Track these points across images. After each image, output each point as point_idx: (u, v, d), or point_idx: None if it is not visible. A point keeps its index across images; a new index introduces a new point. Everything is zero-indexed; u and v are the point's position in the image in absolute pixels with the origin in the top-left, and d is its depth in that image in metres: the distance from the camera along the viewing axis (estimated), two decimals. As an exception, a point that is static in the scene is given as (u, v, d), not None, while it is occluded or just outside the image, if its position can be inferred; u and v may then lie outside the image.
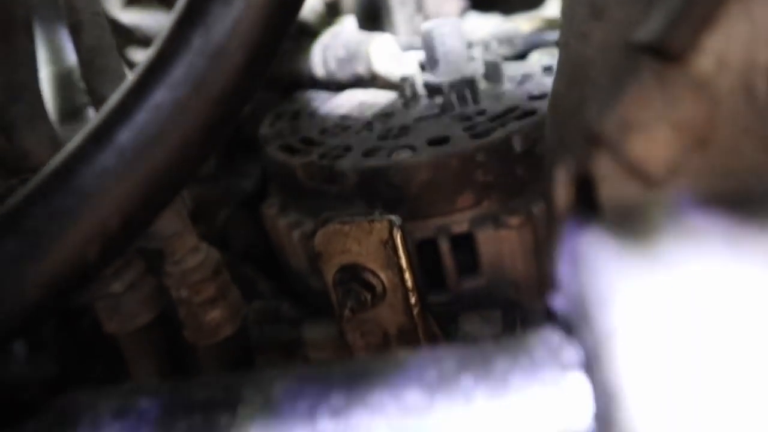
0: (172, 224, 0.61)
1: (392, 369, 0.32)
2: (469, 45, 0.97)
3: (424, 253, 0.78)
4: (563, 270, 0.30)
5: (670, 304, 0.25)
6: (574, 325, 0.29)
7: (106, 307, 0.69)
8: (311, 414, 0.32)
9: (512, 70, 0.91)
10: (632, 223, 0.29)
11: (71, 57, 0.86)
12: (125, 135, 0.34)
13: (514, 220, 0.75)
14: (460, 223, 0.77)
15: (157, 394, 0.37)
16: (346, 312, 0.64)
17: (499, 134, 0.75)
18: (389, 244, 0.60)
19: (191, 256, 0.63)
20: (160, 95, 0.34)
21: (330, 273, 0.65)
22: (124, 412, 0.36)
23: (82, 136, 0.35)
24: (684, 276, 0.26)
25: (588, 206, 0.31)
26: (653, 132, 0.30)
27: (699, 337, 0.24)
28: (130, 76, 0.36)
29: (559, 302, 0.30)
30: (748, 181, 0.31)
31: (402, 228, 0.60)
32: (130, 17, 0.89)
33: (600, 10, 0.41)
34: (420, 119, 0.85)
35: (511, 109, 0.80)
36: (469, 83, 0.86)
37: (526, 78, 0.88)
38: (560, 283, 0.30)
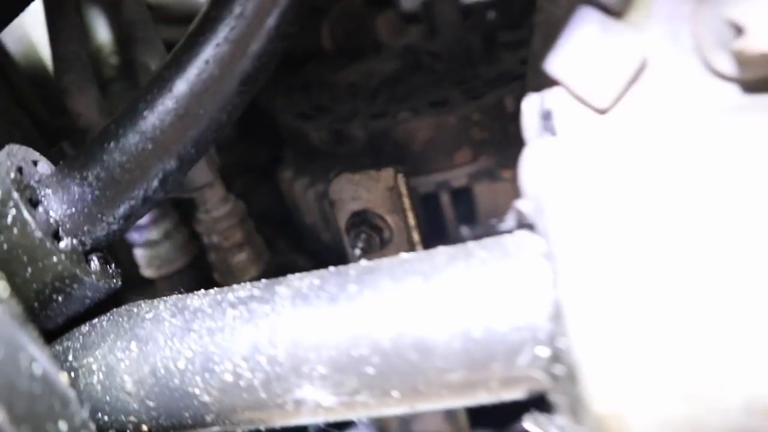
0: (204, 176, 0.69)
1: (396, 265, 0.41)
2: (467, 15, 1.04)
3: (427, 207, 0.87)
4: (528, 181, 0.38)
5: (601, 193, 0.33)
6: (535, 222, 0.37)
7: (144, 254, 0.78)
8: (332, 300, 0.40)
9: (507, 37, 0.99)
10: (581, 141, 0.38)
11: (99, 36, 0.94)
12: (180, 85, 0.42)
13: (508, 174, 0.83)
14: (459, 178, 0.85)
15: (205, 296, 0.46)
16: (358, 253, 0.72)
17: (492, 96, 0.83)
18: (395, 190, 0.68)
19: (221, 205, 0.72)
20: (208, 52, 0.42)
21: (343, 219, 0.73)
22: (179, 309, 0.45)
23: (144, 86, 0.43)
24: (612, 177, 0.34)
25: (548, 131, 0.40)
26: (598, 69, 0.38)
27: (618, 215, 0.32)
28: (182, 37, 0.44)
29: (524, 205, 0.38)
30: (679, 107, 0.39)
31: (405, 175, 0.68)
32: (155, -3, 0.97)
33: (567, -24, 0.49)
34: (421, 85, 0.92)
35: (504, 73, 0.88)
36: (467, 51, 0.93)
37: (518, 44, 0.96)
38: (525, 191, 0.38)
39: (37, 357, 0.30)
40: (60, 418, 0.31)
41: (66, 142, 0.73)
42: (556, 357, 0.34)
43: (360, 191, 0.70)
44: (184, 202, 0.76)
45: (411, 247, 0.72)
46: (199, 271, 0.80)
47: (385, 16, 1.01)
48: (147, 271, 0.79)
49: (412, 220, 0.69)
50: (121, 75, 0.85)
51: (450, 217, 0.86)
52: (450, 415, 0.96)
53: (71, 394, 0.33)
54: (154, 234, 0.76)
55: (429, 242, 0.85)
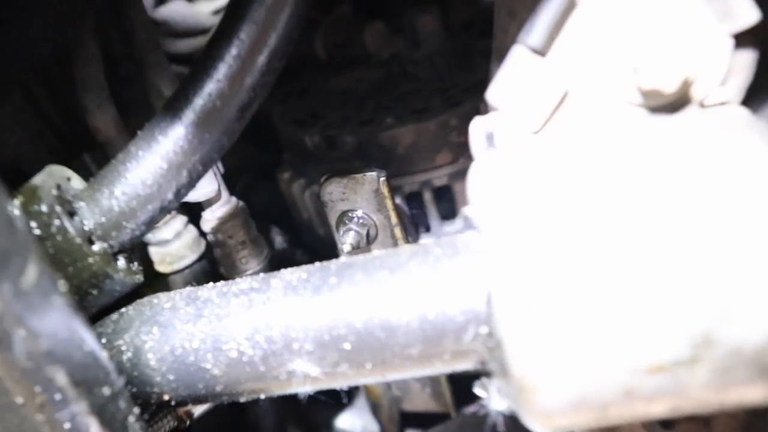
0: (210, 182, 0.78)
1: (368, 261, 0.50)
2: (449, 26, 1.12)
3: (412, 205, 0.95)
4: (473, 190, 0.47)
5: (526, 200, 0.42)
6: (477, 224, 0.46)
7: (158, 251, 0.87)
8: (316, 290, 0.49)
9: (485, 46, 1.07)
10: (519, 157, 0.46)
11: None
12: (189, 114, 0.51)
13: (484, 173, 0.92)
14: (440, 177, 0.94)
15: (213, 288, 0.55)
16: (348, 248, 0.81)
17: (469, 103, 0.92)
18: (378, 191, 0.77)
19: (225, 207, 0.81)
20: (210, 86, 0.51)
21: (333, 218, 0.82)
22: (192, 300, 0.54)
23: (158, 115, 0.52)
24: (536, 187, 0.43)
25: (492, 149, 0.48)
26: (527, 100, 0.46)
27: (539, 219, 0.41)
28: (188, 71, 0.53)
29: (471, 211, 0.47)
30: (596, 128, 0.48)
31: (387, 179, 0.77)
32: (160, 13, 1.05)
33: (513, 11, 0.57)
34: (405, 92, 1.01)
35: (481, 81, 0.96)
36: (447, 60, 1.01)
37: (495, 54, 1.04)
38: (471, 199, 0.47)
39: (85, 338, 0.39)
40: (104, 385, 0.40)
41: (87, 155, 0.82)
42: (491, 333, 0.43)
43: (348, 193, 0.79)
44: (193, 205, 0.85)
45: (394, 243, 0.81)
46: (207, 266, 0.89)
47: (372, 27, 1.09)
48: (160, 267, 0.88)
49: (394, 219, 0.78)
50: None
51: (433, 213, 0.95)
52: (437, 394, 1.05)
53: (111, 366, 0.42)
54: (166, 234, 0.85)
55: (414, 238, 0.94)
